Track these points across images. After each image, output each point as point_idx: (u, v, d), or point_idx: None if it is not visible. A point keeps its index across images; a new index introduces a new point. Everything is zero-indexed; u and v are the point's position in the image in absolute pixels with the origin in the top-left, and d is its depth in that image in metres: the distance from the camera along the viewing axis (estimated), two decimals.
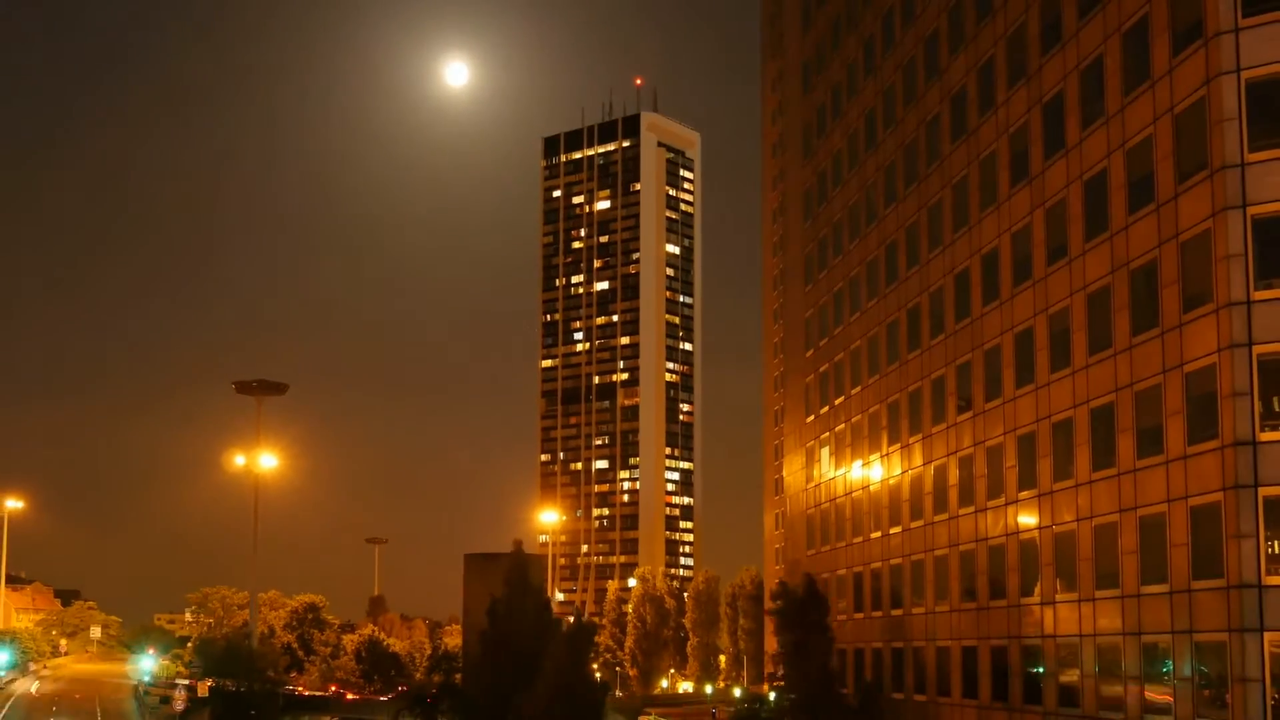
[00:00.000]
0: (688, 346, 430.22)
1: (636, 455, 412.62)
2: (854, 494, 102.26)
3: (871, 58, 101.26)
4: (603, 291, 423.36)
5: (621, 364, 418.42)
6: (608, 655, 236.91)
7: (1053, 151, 71.74)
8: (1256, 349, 54.46)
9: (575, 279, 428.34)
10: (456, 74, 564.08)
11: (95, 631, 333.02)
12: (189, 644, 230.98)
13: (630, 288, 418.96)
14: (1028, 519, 73.73)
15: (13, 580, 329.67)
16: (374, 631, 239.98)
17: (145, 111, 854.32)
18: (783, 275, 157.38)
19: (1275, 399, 55.16)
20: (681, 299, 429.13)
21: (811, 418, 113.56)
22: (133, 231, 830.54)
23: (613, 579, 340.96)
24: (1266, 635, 53.71)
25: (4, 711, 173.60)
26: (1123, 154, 64.41)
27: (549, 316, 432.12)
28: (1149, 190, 61.78)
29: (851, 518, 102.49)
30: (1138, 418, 62.46)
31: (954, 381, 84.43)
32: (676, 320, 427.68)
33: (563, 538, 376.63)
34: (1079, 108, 69.06)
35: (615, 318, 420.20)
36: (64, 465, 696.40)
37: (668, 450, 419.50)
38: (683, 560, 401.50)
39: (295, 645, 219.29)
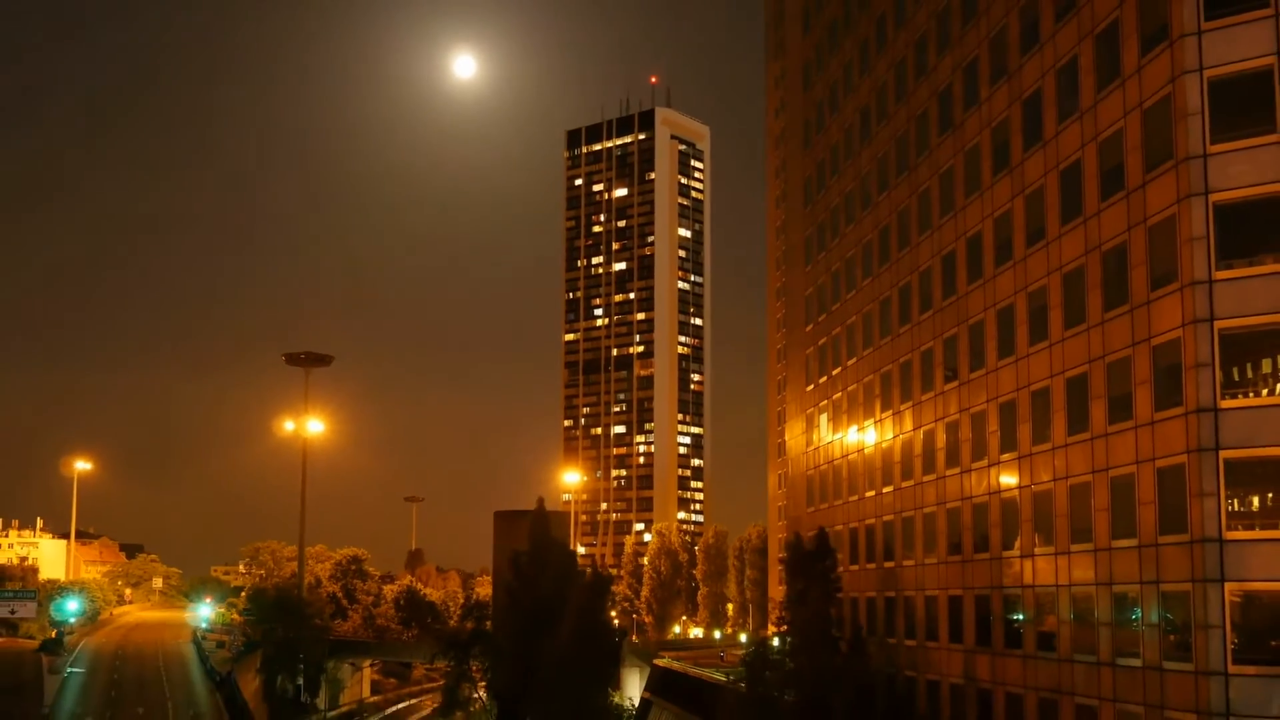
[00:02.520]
0: (698, 321, 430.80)
1: (651, 421, 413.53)
2: (850, 456, 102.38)
3: (866, 58, 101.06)
4: (620, 271, 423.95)
5: (638, 337, 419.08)
6: (625, 604, 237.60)
7: (1031, 143, 71.67)
8: (1218, 324, 54.53)
9: (595, 260, 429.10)
10: (464, 67, 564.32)
11: (157, 582, 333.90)
12: (243, 593, 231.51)
13: (646, 268, 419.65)
14: (1008, 479, 73.85)
15: (82, 535, 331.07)
16: (412, 582, 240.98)
17: (191, 102, 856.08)
18: (785, 256, 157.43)
19: (1235, 369, 55.30)
20: (693, 278, 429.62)
21: (811, 386, 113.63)
22: (189, 221, 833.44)
23: (630, 534, 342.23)
24: (1227, 585, 53.88)
25: (73, 655, 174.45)
26: (1095, 145, 64.38)
27: (571, 294, 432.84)
28: (1119, 179, 61.76)
29: (848, 478, 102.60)
30: (1109, 386, 62.56)
31: (941, 353, 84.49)
32: (688, 297, 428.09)
33: (584, 496, 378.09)
34: (1055, 103, 68.97)
35: (632, 295, 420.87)
36: (129, 429, 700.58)
37: (680, 416, 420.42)
38: (694, 517, 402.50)
39: (340, 594, 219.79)
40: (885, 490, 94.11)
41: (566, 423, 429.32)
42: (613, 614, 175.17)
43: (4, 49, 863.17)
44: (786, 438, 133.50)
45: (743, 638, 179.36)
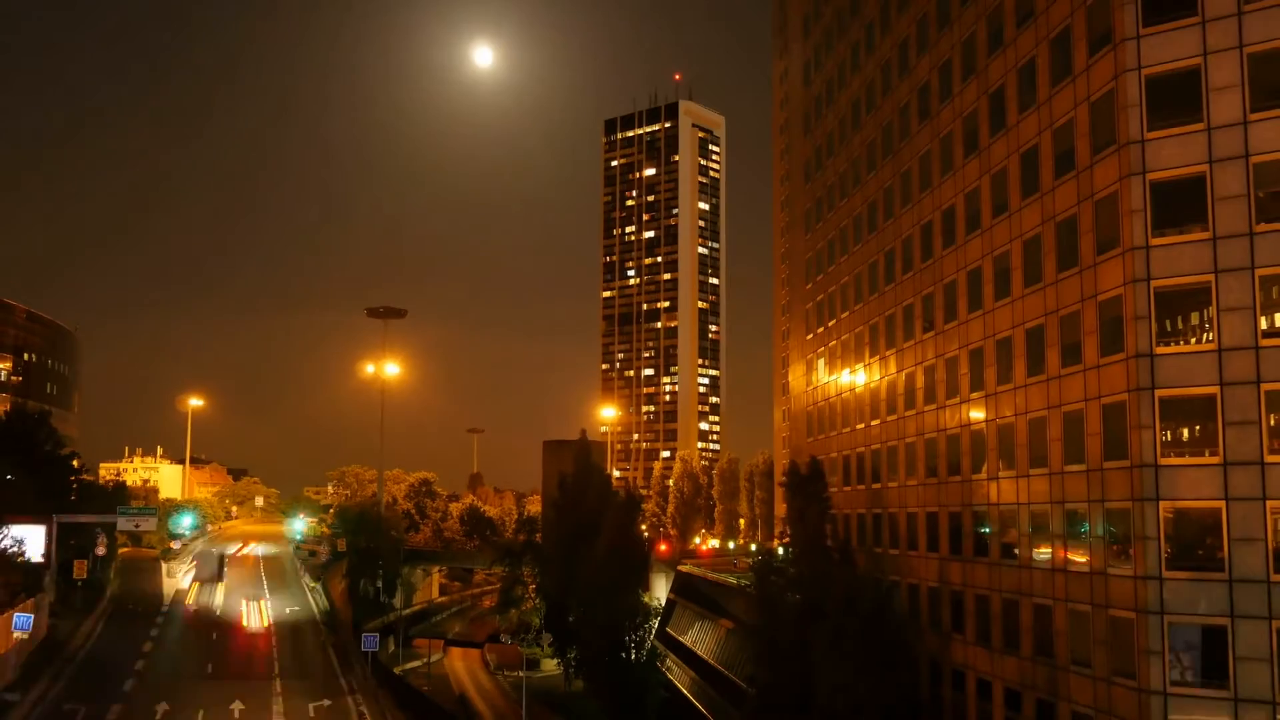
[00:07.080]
0: (715, 281, 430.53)
1: (675, 365, 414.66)
2: (843, 395, 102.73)
3: (857, 58, 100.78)
4: (649, 239, 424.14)
5: (664, 294, 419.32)
6: (653, 519, 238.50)
7: (997, 130, 71.64)
8: (1154, 283, 54.74)
9: (629, 229, 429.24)
10: (483, 56, 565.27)
11: (259, 500, 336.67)
12: (331, 510, 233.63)
13: (671, 236, 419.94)
14: (977, 414, 74.20)
15: (195, 461, 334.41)
16: (474, 501, 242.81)
17: (277, 96, 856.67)
18: (788, 226, 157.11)
19: (1168, 321, 55.44)
20: (710, 244, 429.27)
21: (810, 336, 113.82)
22: (280, 200, 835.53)
23: (657, 460, 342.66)
24: (1161, 504, 54.26)
25: (188, 564, 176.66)
26: (1051, 133, 64.40)
27: (608, 258, 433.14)
28: (1071, 160, 61.81)
29: (842, 413, 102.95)
30: (1062, 336, 62.80)
31: (920, 308, 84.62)
32: (707, 261, 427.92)
33: (619, 428, 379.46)
34: (1017, 96, 68.92)
35: (659, 259, 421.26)
36: (238, 368, 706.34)
37: (700, 361, 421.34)
38: (711, 445, 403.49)
39: (413, 511, 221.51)
40: (873, 423, 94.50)
41: (604, 366, 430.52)
42: (643, 528, 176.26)
43: (128, 50, 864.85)
44: (789, 379, 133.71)
45: (753, 547, 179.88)
